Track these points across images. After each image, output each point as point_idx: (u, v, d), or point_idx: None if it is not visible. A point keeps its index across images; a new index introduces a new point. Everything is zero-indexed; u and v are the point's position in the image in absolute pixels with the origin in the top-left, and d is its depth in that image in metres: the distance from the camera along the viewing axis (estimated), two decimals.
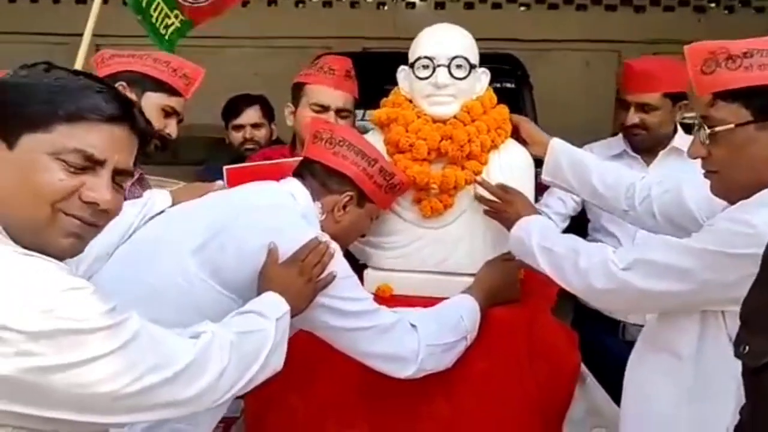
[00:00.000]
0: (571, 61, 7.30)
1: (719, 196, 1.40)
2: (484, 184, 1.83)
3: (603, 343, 2.30)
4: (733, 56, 1.32)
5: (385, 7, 7.67)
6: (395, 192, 1.74)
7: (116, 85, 1.96)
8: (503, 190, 1.81)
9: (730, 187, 1.36)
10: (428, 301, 1.75)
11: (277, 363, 1.29)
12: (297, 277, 1.38)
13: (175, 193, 1.71)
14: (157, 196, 1.66)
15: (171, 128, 2.03)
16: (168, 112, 2.02)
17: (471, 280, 1.83)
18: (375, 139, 1.91)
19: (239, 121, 3.10)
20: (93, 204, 1.02)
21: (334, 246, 1.47)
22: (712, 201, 1.45)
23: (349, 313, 1.48)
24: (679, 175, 1.78)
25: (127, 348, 0.97)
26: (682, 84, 2.34)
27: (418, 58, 1.83)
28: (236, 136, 3.13)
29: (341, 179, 1.63)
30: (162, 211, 1.57)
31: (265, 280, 1.38)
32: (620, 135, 2.51)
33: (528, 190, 1.88)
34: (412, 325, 1.55)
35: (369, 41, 6.69)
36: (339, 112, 2.18)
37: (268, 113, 3.13)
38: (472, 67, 1.83)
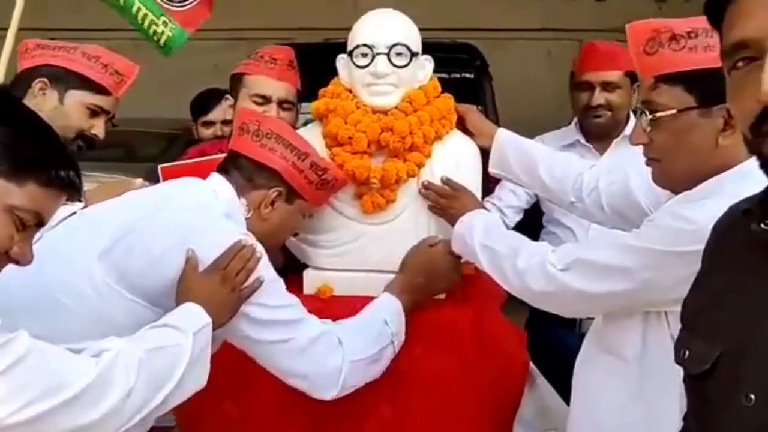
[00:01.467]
0: (532, 51, 7.26)
1: (661, 185, 1.34)
2: (428, 186, 1.74)
3: (559, 337, 2.25)
4: (676, 36, 1.25)
5: None
6: (329, 188, 1.64)
7: (36, 81, 1.85)
8: (447, 184, 1.73)
9: (672, 176, 1.30)
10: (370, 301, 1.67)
11: (198, 381, 1.20)
12: (219, 287, 1.29)
13: (89, 194, 1.60)
14: None
15: (98, 128, 1.90)
16: (94, 111, 1.89)
17: None
18: (315, 133, 1.82)
19: (209, 117, 2.93)
20: (12, 260, 1.01)
21: (260, 249, 1.38)
22: (657, 191, 1.39)
23: (271, 322, 1.39)
24: (627, 164, 1.72)
25: (11, 372, 0.90)
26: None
27: (357, 46, 1.74)
28: (206, 133, 2.93)
29: (269, 174, 1.53)
30: (73, 213, 1.45)
31: (184, 290, 1.28)
32: (573, 124, 2.45)
33: (474, 184, 1.81)
34: (339, 341, 1.46)
35: (331, 32, 6.57)
36: (281, 103, 2.08)
37: None
38: (413, 54, 1.74)
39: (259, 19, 6.89)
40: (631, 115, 2.38)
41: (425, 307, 1.70)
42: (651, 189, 1.45)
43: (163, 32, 2.31)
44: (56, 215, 1.40)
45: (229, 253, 1.32)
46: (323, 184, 1.61)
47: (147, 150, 4.88)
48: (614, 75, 2.28)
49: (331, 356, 1.44)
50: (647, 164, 1.34)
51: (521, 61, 6.78)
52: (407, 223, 1.78)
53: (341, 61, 1.82)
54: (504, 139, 1.81)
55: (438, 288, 1.72)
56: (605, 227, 1.70)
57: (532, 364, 1.73)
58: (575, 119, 2.45)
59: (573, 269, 1.33)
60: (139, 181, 1.72)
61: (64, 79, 1.86)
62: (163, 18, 2.36)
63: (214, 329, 1.26)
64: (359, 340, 1.49)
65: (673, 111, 1.25)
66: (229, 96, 2.19)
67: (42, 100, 1.84)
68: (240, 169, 1.54)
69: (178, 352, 1.15)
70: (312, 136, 1.80)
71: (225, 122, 2.80)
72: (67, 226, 1.38)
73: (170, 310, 1.25)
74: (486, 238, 1.56)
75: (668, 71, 1.25)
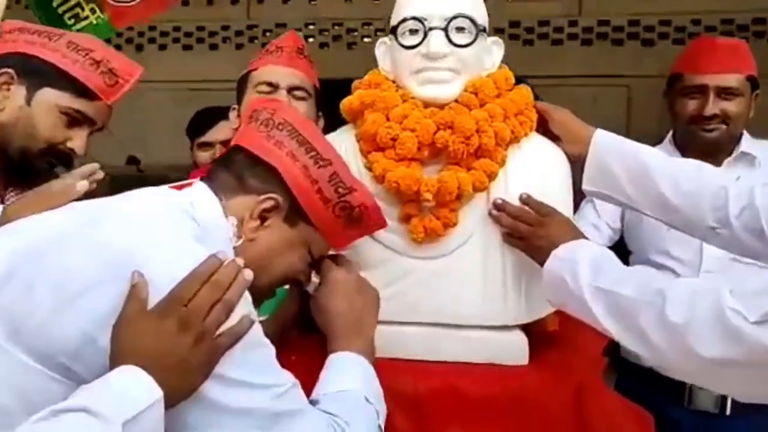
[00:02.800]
0: (578, 98, 6.84)
1: None
2: (502, 206, 1.26)
3: (663, 414, 1.69)
4: None
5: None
6: (351, 221, 1.13)
7: (1, 72, 1.43)
8: (529, 205, 1.25)
9: None
10: (421, 367, 1.21)
11: None
12: (177, 335, 0.81)
13: (9, 209, 1.14)
14: None
15: (77, 141, 1.45)
16: (73, 119, 1.44)
17: (484, 335, 1.27)
18: (345, 137, 1.36)
19: (207, 137, 2.50)
20: None
21: (249, 273, 0.89)
22: None
23: (249, 412, 0.88)
24: None
25: None
26: (755, 68, 1.82)
27: (403, 20, 1.29)
28: (203, 156, 2.52)
29: (265, 173, 1.06)
30: None
31: (120, 342, 0.81)
32: (666, 140, 1.95)
33: (565, 205, 1.32)
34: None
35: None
36: (292, 90, 1.64)
37: None
38: (479, 31, 1.28)
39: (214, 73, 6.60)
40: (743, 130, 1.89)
41: (495, 378, 1.20)
42: None
43: (86, 16, 2.06)
44: None
45: (195, 278, 0.84)
46: (343, 211, 1.11)
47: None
48: (735, 79, 1.79)
49: None
50: None
51: (567, 107, 6.35)
52: (472, 258, 1.28)
53: (382, 47, 1.37)
54: (605, 143, 1.32)
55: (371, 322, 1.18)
56: (762, 261, 1.18)
57: None
58: (669, 133, 1.96)
59: None
60: (81, 184, 1.24)
61: (38, 72, 1.42)
62: (91, 5, 2.09)
63: (168, 407, 0.78)
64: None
65: None
66: (234, 106, 1.75)
67: (2, 98, 1.42)
68: (231, 165, 1.08)
69: None
70: (342, 141, 1.34)
71: (225, 143, 2.32)
72: None
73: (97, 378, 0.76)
74: (599, 277, 1.07)
75: None
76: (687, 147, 1.87)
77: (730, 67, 1.78)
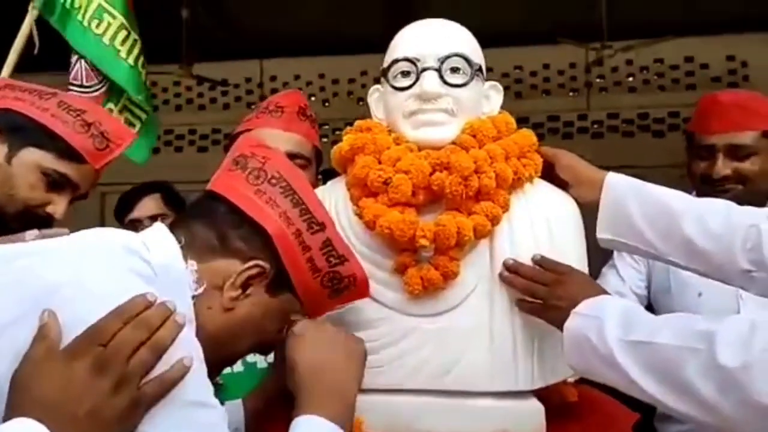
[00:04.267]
0: None
1: None
2: (514, 268, 1.14)
3: None
4: None
5: None
6: (337, 291, 1.01)
7: None
8: (545, 266, 1.13)
9: None
10: None
11: None
12: (89, 379, 0.68)
13: None
14: None
15: (57, 207, 1.36)
16: (56, 182, 1.36)
17: (494, 404, 1.12)
18: (336, 188, 1.26)
19: (134, 215, 2.35)
20: None
21: (183, 316, 0.76)
22: None
23: None
24: None
25: None
26: None
27: (395, 61, 1.22)
28: None
29: (254, 237, 0.94)
30: None
31: (18, 388, 0.67)
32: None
33: (578, 257, 1.19)
34: None
35: None
36: (291, 158, 1.54)
37: (174, 203, 2.40)
38: (475, 71, 1.21)
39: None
40: None
41: None
42: None
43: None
44: None
45: (117, 315, 0.72)
46: (332, 282, 0.99)
47: None
48: (747, 137, 1.68)
49: None
50: None
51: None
52: (476, 314, 1.14)
53: (375, 93, 1.30)
54: (620, 185, 1.21)
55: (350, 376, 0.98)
56: None
57: None
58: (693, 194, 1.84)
59: None
60: (32, 233, 1.13)
61: (23, 130, 1.34)
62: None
63: None
64: None
65: None
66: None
67: None
68: (212, 219, 0.95)
69: None
70: (331, 192, 1.24)
71: (153, 218, 2.23)
72: None
73: None
74: (631, 331, 0.94)
75: None
76: None
77: (740, 125, 1.67)
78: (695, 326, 0.87)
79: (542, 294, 1.11)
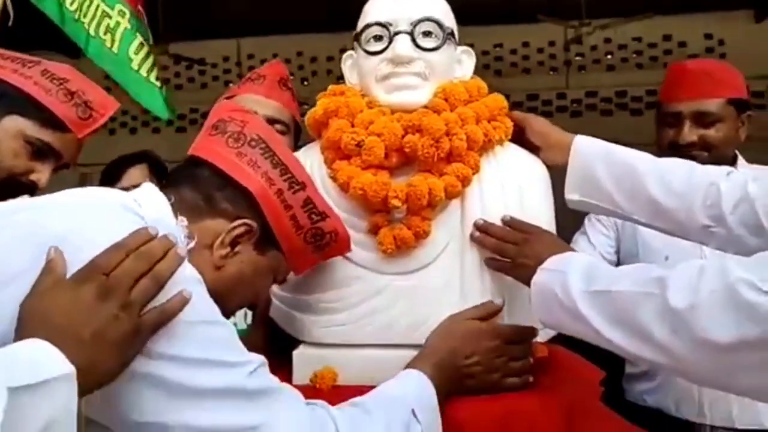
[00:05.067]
0: None
1: None
2: (484, 227, 1.17)
3: None
4: None
5: None
6: (320, 247, 1.07)
7: None
8: (515, 226, 1.16)
9: None
10: None
11: None
12: (96, 303, 0.71)
13: None
14: None
15: (41, 174, 1.36)
16: (39, 150, 1.36)
17: None
18: (312, 153, 1.28)
19: (121, 184, 2.36)
20: None
21: (183, 250, 0.81)
22: None
23: (215, 393, 0.78)
24: None
25: None
26: (743, 89, 1.76)
27: (367, 26, 1.24)
28: None
29: (239, 198, 0.97)
30: None
31: (26, 315, 0.70)
32: None
33: (546, 219, 1.22)
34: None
35: None
36: (271, 123, 1.56)
37: (160, 173, 2.40)
38: (447, 35, 1.23)
39: None
40: (738, 155, 1.81)
41: (478, 401, 1.06)
42: None
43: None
44: None
45: (120, 247, 0.75)
46: (315, 238, 1.04)
47: None
48: (712, 104, 1.72)
49: None
50: None
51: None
52: (448, 272, 1.17)
53: (348, 60, 1.31)
54: (586, 148, 1.24)
55: (481, 383, 1.09)
56: None
57: None
58: None
59: None
60: (24, 199, 1.14)
61: (6, 98, 1.34)
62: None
63: (87, 387, 0.68)
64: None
65: None
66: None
67: None
68: (196, 182, 0.98)
69: None
70: (308, 156, 1.26)
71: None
72: None
73: None
74: (593, 282, 0.97)
75: None
76: None
77: (705, 92, 1.71)
78: (650, 273, 0.91)
79: (511, 253, 1.14)
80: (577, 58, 5.99)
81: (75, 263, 0.74)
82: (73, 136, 1.38)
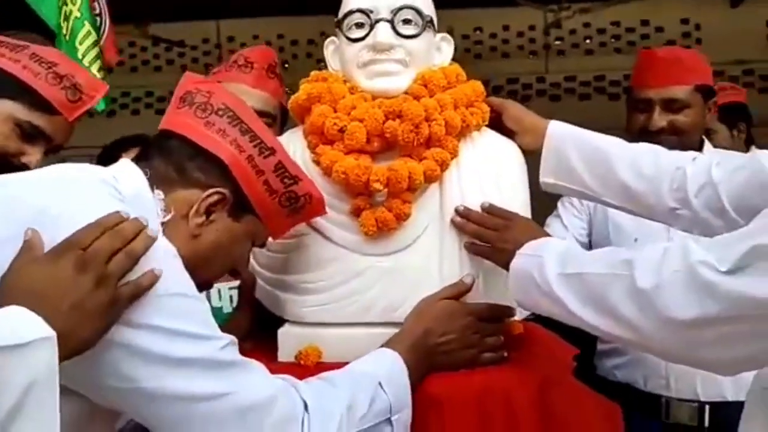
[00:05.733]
0: None
1: None
2: (465, 214, 1.21)
3: (639, 429, 1.59)
4: None
5: None
6: (295, 211, 1.09)
7: None
8: (494, 213, 1.20)
9: None
10: None
11: None
12: (73, 274, 0.75)
13: None
14: None
15: (31, 156, 1.38)
16: (29, 133, 1.38)
17: None
18: (294, 138, 1.31)
19: None
20: None
21: (155, 229, 0.84)
22: None
23: (187, 362, 0.83)
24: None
25: None
26: (710, 76, 1.81)
27: (349, 12, 1.27)
28: None
29: (211, 166, 1.00)
30: None
31: (5, 288, 0.74)
32: None
33: (522, 203, 1.27)
34: (304, 405, 0.92)
35: None
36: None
37: None
38: (426, 23, 1.26)
39: None
40: (705, 140, 1.87)
41: (455, 376, 1.12)
42: None
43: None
44: None
45: (96, 225, 0.79)
46: (289, 202, 1.07)
47: None
48: (680, 90, 1.78)
49: (292, 426, 0.89)
50: None
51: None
52: (427, 253, 1.22)
53: (330, 46, 1.34)
54: (560, 134, 1.29)
55: (455, 360, 1.14)
56: None
57: None
58: None
59: (754, 267, 0.77)
60: None
61: None
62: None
63: (66, 356, 0.72)
64: (336, 408, 0.93)
65: None
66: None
67: None
68: (167, 154, 1.00)
69: None
70: (290, 141, 1.29)
71: None
72: None
73: None
74: (567, 265, 1.02)
75: None
76: None
77: (673, 79, 1.77)
78: (619, 256, 0.96)
79: (491, 238, 1.18)
80: (557, 42, 6.02)
81: (54, 237, 0.77)
82: (63, 119, 1.40)
